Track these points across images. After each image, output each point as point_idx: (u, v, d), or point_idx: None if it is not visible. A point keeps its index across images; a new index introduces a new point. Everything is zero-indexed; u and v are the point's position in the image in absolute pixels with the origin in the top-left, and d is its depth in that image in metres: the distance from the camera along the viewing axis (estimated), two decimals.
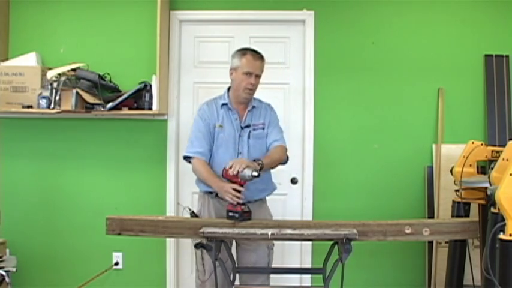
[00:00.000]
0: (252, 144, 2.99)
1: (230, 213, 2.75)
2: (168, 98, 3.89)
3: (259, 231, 2.58)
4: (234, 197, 2.71)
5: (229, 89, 3.09)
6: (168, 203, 3.90)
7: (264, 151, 3.00)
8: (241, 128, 3.00)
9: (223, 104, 3.02)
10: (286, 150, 3.04)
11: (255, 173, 2.65)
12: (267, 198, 3.12)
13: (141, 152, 3.92)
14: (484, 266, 2.11)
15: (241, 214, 2.71)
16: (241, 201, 2.72)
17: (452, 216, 3.07)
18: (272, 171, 3.08)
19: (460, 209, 2.94)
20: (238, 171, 2.66)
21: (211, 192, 2.97)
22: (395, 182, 3.82)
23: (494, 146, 3.40)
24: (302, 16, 3.88)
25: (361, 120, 3.86)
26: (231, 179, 2.74)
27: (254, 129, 3.01)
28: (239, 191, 2.71)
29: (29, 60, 3.79)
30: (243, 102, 3.03)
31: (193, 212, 3.00)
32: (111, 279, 3.89)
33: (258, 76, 2.98)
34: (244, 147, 2.98)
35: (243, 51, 2.99)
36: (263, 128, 3.04)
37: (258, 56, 2.98)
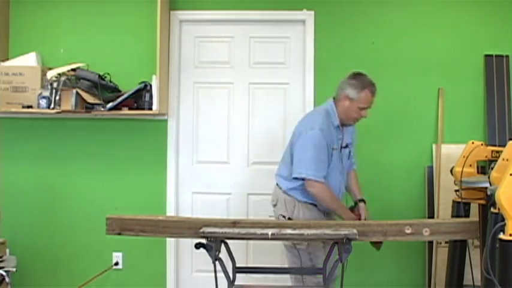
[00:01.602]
0: (348, 164, 3.14)
1: None
2: (168, 98, 3.88)
3: (259, 231, 2.58)
4: None
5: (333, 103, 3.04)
6: (168, 203, 3.90)
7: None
8: (342, 147, 3.04)
9: (337, 126, 3.01)
10: None
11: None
12: None
13: (141, 152, 3.91)
14: (484, 266, 2.11)
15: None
16: None
17: (452, 216, 3.06)
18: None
19: (460, 209, 2.93)
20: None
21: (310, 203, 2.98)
22: (395, 182, 3.82)
23: (494, 146, 3.38)
24: (302, 16, 3.87)
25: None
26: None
27: (350, 151, 3.12)
28: None
29: (29, 60, 3.78)
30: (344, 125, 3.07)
31: (289, 218, 2.95)
32: (111, 279, 3.89)
33: (369, 108, 3.01)
34: (345, 166, 3.08)
35: (364, 84, 2.94)
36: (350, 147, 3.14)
37: (375, 91, 2.97)
